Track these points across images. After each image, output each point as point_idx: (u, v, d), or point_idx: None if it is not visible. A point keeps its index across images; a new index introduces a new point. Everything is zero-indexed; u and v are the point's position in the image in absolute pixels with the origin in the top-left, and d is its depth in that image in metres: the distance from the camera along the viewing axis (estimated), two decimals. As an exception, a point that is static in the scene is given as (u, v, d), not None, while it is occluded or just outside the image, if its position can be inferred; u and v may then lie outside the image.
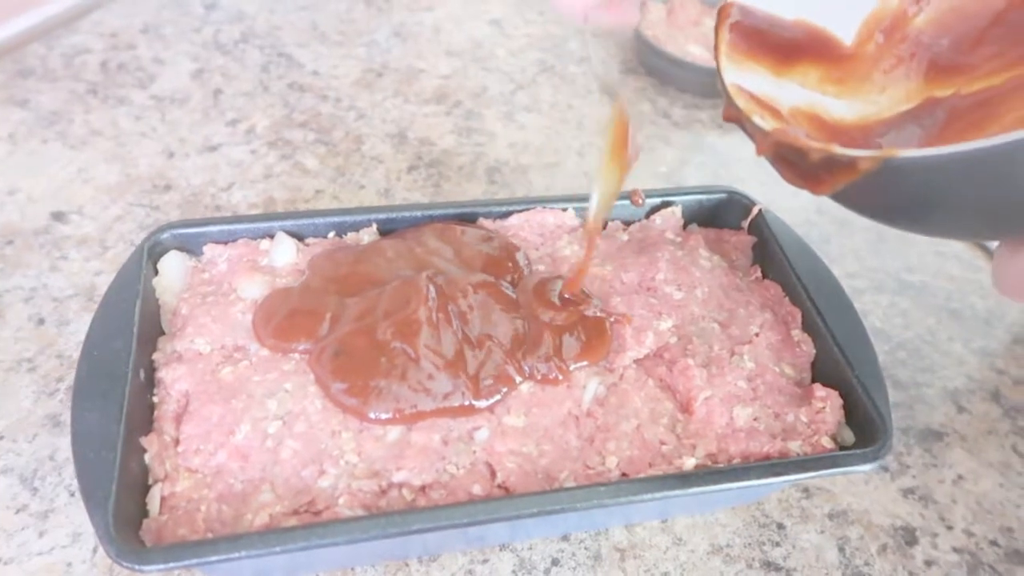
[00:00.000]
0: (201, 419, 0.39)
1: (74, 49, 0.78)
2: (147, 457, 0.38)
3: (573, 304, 0.45)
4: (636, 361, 0.44)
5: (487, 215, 0.50)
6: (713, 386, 0.43)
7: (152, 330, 0.43)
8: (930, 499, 0.49)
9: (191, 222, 0.47)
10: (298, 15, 0.87)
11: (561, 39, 0.89)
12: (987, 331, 0.61)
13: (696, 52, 0.82)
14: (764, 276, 0.51)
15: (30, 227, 0.60)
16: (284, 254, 0.47)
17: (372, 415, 0.39)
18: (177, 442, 0.39)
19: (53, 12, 0.80)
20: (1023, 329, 0.61)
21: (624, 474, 0.40)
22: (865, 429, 0.41)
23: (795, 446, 0.41)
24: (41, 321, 0.53)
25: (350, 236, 0.49)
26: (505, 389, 0.41)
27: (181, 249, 0.46)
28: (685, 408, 0.43)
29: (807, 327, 0.47)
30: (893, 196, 0.29)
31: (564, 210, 0.51)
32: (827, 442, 0.41)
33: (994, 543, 0.48)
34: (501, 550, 0.45)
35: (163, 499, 0.37)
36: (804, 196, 0.33)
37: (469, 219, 0.50)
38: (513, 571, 0.44)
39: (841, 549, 0.47)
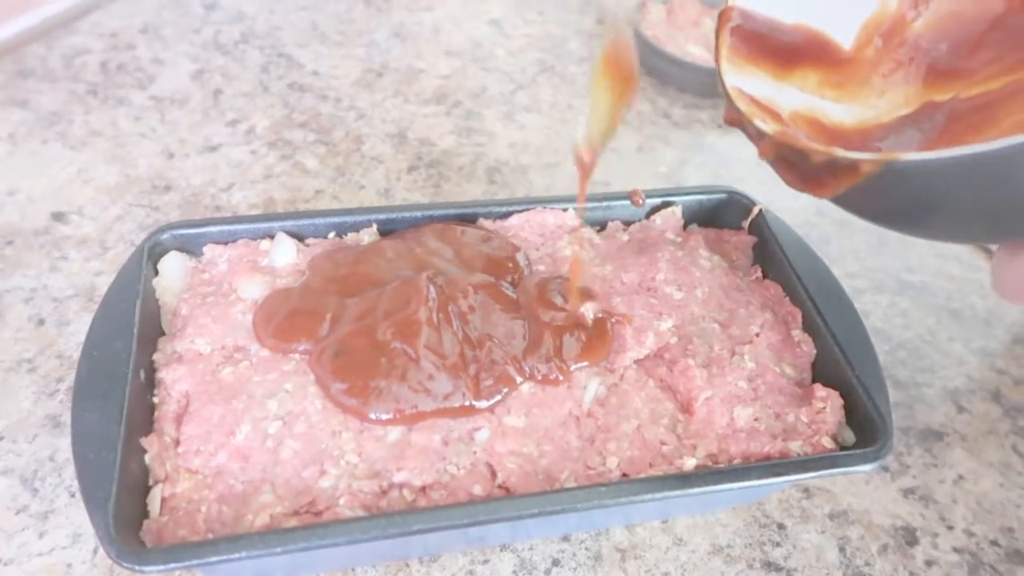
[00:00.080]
0: (201, 420, 0.39)
1: (74, 50, 0.78)
2: (147, 458, 0.38)
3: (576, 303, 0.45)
4: (636, 361, 0.44)
5: (487, 215, 0.50)
6: (714, 386, 0.43)
7: (152, 330, 0.43)
8: (930, 499, 0.49)
9: (191, 222, 0.47)
10: (298, 15, 0.87)
11: (561, 39, 0.89)
12: (987, 331, 0.61)
13: (696, 52, 0.82)
14: (764, 276, 0.51)
15: (30, 227, 0.60)
16: (284, 254, 0.47)
17: (372, 415, 0.39)
18: (177, 443, 0.39)
19: (53, 12, 0.80)
20: (1023, 329, 0.61)
21: (625, 474, 0.40)
22: (865, 429, 0.41)
23: (796, 446, 0.41)
24: (41, 321, 0.53)
25: (350, 236, 0.49)
26: (506, 389, 0.41)
27: (181, 249, 0.46)
28: (686, 408, 0.43)
29: (807, 327, 0.47)
30: (894, 199, 0.29)
31: (564, 210, 0.51)
32: (827, 442, 0.41)
33: (995, 543, 0.48)
34: (502, 550, 0.45)
35: (163, 500, 0.37)
36: (804, 196, 0.33)
37: (469, 219, 0.50)
38: (514, 571, 0.44)
39: (842, 549, 0.47)
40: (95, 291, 0.55)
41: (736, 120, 0.35)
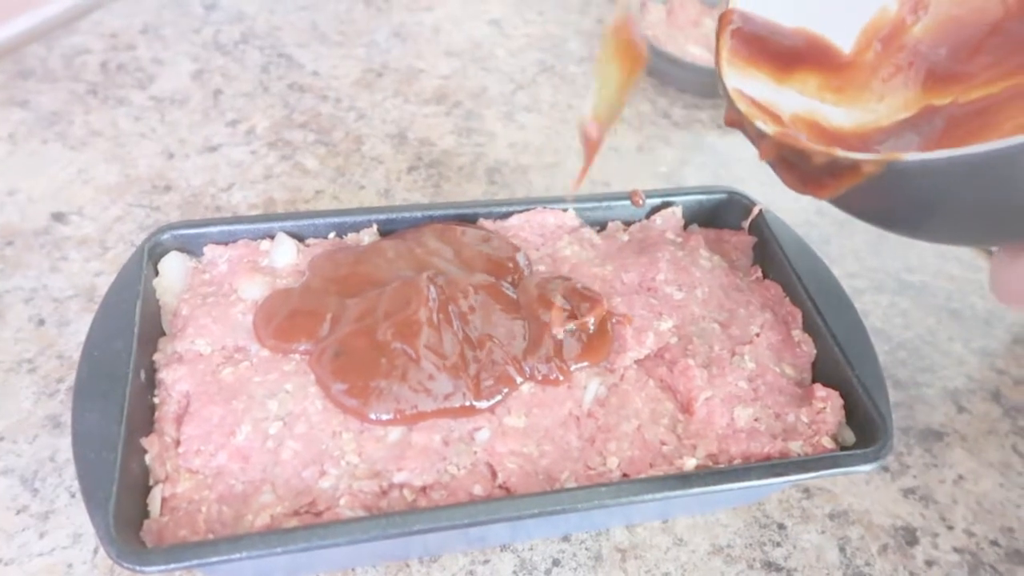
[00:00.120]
0: (202, 420, 0.39)
1: (74, 50, 0.78)
2: (148, 458, 0.38)
3: (580, 303, 0.45)
4: (637, 361, 0.44)
5: (487, 215, 0.50)
6: (714, 386, 0.43)
7: (153, 331, 0.43)
8: (931, 499, 0.49)
9: (191, 223, 0.47)
10: (298, 15, 0.87)
11: (561, 39, 0.89)
12: (987, 331, 0.61)
13: (696, 52, 0.82)
14: (764, 276, 0.51)
15: (30, 228, 0.60)
16: (284, 255, 0.47)
17: (373, 416, 0.39)
18: (178, 443, 0.39)
19: (53, 13, 0.80)
20: (1023, 329, 0.61)
21: (625, 474, 0.40)
22: (866, 429, 0.41)
23: (796, 446, 0.41)
24: (41, 322, 0.53)
25: (350, 237, 0.49)
26: (506, 390, 0.41)
27: (181, 250, 0.46)
28: (686, 408, 0.43)
29: (807, 327, 0.47)
30: (895, 200, 0.29)
31: (564, 210, 0.51)
32: (828, 442, 0.41)
33: (995, 543, 0.48)
34: (502, 551, 0.45)
35: (164, 500, 0.37)
36: (804, 196, 0.33)
37: (469, 220, 0.50)
38: (514, 572, 0.44)
39: (842, 549, 0.47)
40: (95, 291, 0.55)
41: (737, 121, 0.35)
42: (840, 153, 0.29)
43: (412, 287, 0.43)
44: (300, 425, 0.39)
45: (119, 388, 0.38)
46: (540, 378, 0.42)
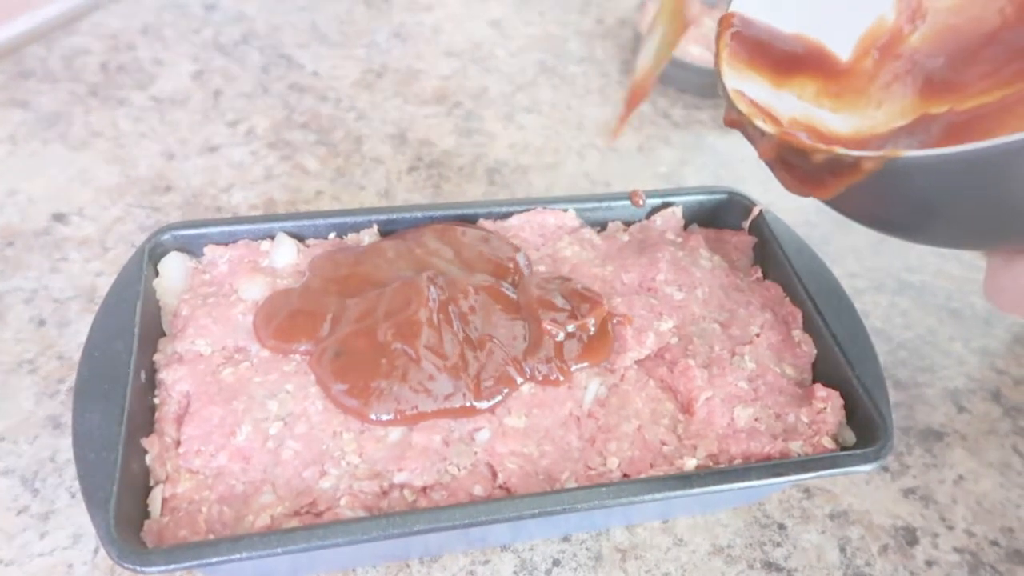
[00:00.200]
0: (202, 420, 0.39)
1: (74, 50, 0.78)
2: (148, 458, 0.38)
3: (580, 303, 0.45)
4: (637, 362, 0.44)
5: (487, 216, 0.51)
6: (714, 386, 0.43)
7: (153, 331, 0.43)
8: (931, 499, 0.50)
9: (192, 223, 0.47)
10: (298, 16, 0.87)
11: (561, 39, 0.89)
12: (987, 331, 0.61)
13: (696, 52, 0.82)
14: (765, 276, 0.51)
15: (30, 228, 0.60)
16: (285, 255, 0.47)
17: (373, 416, 0.39)
18: (178, 443, 0.39)
19: (53, 13, 0.80)
20: (1023, 329, 0.61)
21: (625, 475, 0.40)
22: (866, 429, 0.41)
23: (796, 446, 0.41)
24: (42, 322, 0.53)
25: (351, 237, 0.49)
26: (506, 390, 0.41)
27: (182, 250, 0.46)
28: (686, 409, 0.43)
29: (808, 327, 0.47)
30: (893, 199, 0.29)
31: (564, 211, 0.51)
32: (828, 442, 0.41)
33: (995, 543, 0.48)
34: (502, 551, 0.45)
35: (164, 500, 0.37)
36: (805, 197, 0.33)
37: (469, 220, 0.50)
38: (514, 572, 0.44)
39: (842, 549, 0.47)
40: (96, 292, 0.55)
41: (736, 122, 0.35)
42: (840, 150, 0.29)
43: (412, 287, 0.43)
44: (300, 425, 0.39)
45: (119, 388, 0.38)
46: (540, 378, 0.42)
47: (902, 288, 0.63)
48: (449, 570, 0.44)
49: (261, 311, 0.43)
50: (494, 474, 0.39)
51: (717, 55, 0.37)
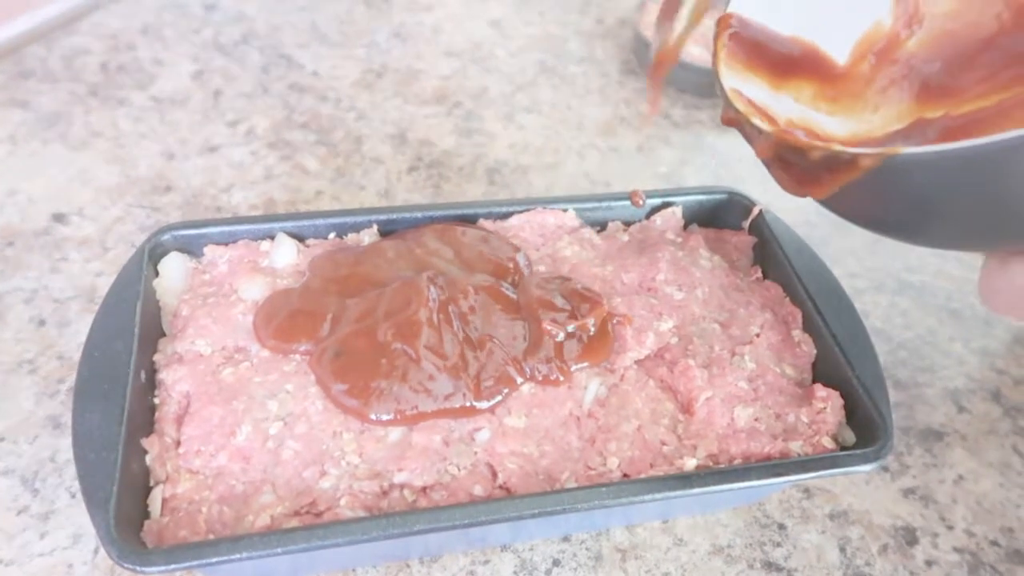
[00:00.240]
0: (202, 420, 0.39)
1: (74, 50, 0.78)
2: (148, 458, 0.38)
3: (580, 303, 0.45)
4: (637, 362, 0.44)
5: (487, 216, 0.51)
6: (714, 386, 0.43)
7: (153, 331, 0.43)
8: (931, 499, 0.50)
9: (192, 223, 0.47)
10: (298, 16, 0.87)
11: (561, 39, 0.89)
12: (987, 331, 0.61)
13: (695, 52, 0.82)
14: (764, 276, 0.51)
15: (30, 228, 0.60)
16: (285, 255, 0.47)
17: (373, 416, 0.39)
18: (178, 443, 0.39)
19: (53, 13, 0.80)
20: (1023, 329, 0.61)
21: (625, 475, 0.40)
22: (866, 429, 0.41)
23: (796, 446, 0.41)
24: (42, 322, 0.53)
25: (351, 237, 0.49)
26: (506, 390, 0.41)
27: (182, 250, 0.46)
28: (686, 409, 0.43)
29: (808, 327, 0.47)
30: (890, 198, 0.29)
31: (564, 211, 0.51)
32: (828, 442, 0.41)
33: (994, 543, 0.48)
34: (502, 551, 0.45)
35: (164, 500, 0.37)
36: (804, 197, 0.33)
37: (469, 220, 0.50)
38: (514, 572, 0.44)
39: (842, 549, 0.47)
40: (96, 292, 0.55)
41: (734, 120, 0.35)
42: (838, 147, 0.29)
43: (412, 287, 0.43)
44: (300, 425, 0.39)
45: (119, 389, 0.38)
46: (540, 378, 0.42)
47: (902, 288, 0.63)
48: (449, 570, 0.44)
49: (261, 311, 0.43)
50: (494, 474, 0.39)
51: (715, 55, 0.37)
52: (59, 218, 0.61)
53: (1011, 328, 0.61)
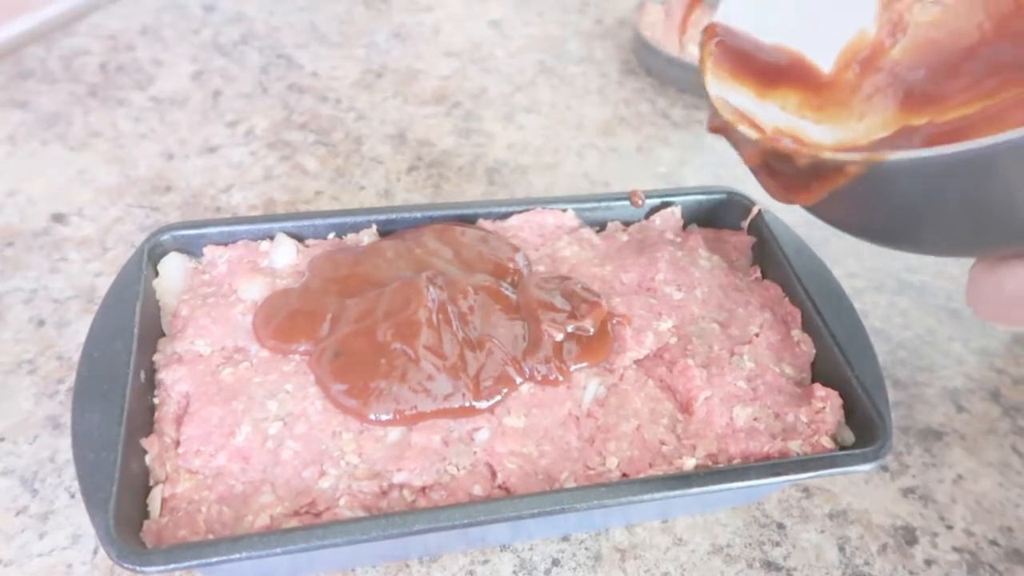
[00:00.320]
0: (201, 420, 0.39)
1: (73, 51, 0.78)
2: (148, 459, 0.38)
3: (579, 303, 0.45)
4: (636, 362, 0.44)
5: (487, 216, 0.51)
6: (713, 386, 0.43)
7: (152, 331, 0.43)
8: (930, 499, 0.50)
9: (191, 223, 0.47)
10: (297, 16, 0.88)
11: (560, 40, 0.89)
12: (987, 331, 0.61)
13: (696, 52, 0.82)
14: (764, 276, 0.51)
15: (30, 229, 0.60)
16: (284, 255, 0.47)
17: (372, 416, 0.39)
18: (178, 443, 0.39)
19: (52, 14, 0.80)
20: (1023, 329, 0.61)
21: (624, 474, 0.40)
22: (865, 429, 0.41)
23: (795, 446, 0.41)
24: (41, 323, 0.53)
25: (350, 237, 0.49)
26: (505, 390, 0.41)
27: (181, 251, 0.46)
28: (685, 408, 0.43)
29: (807, 327, 0.47)
30: (877, 204, 0.29)
31: (564, 211, 0.51)
32: (827, 442, 0.41)
33: (994, 543, 0.48)
34: (502, 551, 0.45)
35: (164, 500, 0.37)
36: (803, 196, 0.33)
37: (469, 220, 0.50)
38: (514, 571, 0.44)
39: (841, 549, 0.47)
40: (95, 292, 0.55)
41: (721, 128, 0.35)
42: (825, 154, 0.29)
43: (412, 287, 0.43)
44: (300, 425, 0.39)
45: (119, 389, 0.38)
46: (539, 378, 0.42)
47: (902, 288, 0.63)
48: (449, 570, 0.44)
49: (260, 311, 0.43)
50: (493, 474, 0.39)
51: (701, 62, 0.37)
52: (59, 218, 0.61)
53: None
